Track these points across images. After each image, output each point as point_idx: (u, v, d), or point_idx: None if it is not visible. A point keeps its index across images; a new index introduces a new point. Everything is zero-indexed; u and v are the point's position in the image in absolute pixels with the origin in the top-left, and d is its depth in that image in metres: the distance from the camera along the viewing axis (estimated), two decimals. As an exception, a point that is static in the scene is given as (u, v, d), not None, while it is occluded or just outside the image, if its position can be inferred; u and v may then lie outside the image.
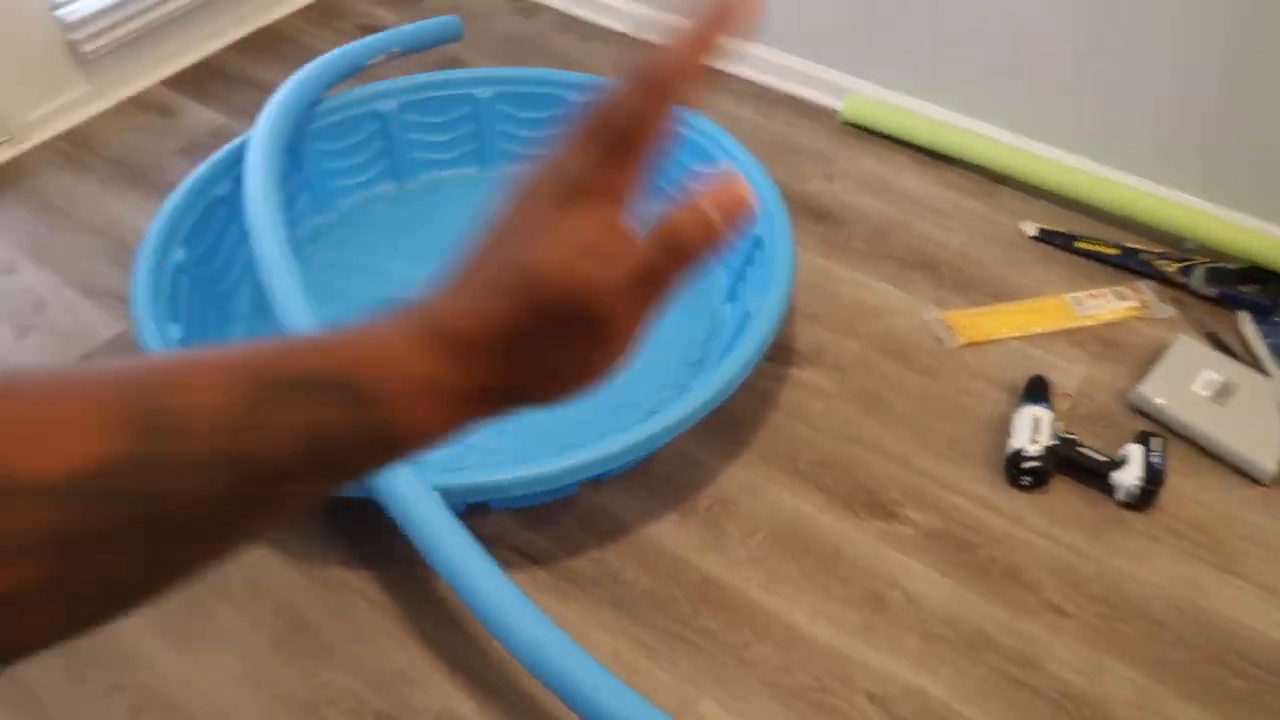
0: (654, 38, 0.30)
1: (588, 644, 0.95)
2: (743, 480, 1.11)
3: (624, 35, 1.81)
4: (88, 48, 1.54)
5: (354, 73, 1.45)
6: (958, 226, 1.45)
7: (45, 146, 1.52)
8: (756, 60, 1.70)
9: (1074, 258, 1.39)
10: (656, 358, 1.22)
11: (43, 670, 0.92)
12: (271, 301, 1.05)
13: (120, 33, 1.57)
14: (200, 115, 1.60)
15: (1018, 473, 1.10)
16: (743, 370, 1.04)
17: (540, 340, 0.30)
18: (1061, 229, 1.42)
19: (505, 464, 1.09)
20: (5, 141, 1.49)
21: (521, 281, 0.30)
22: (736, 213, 0.30)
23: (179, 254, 1.16)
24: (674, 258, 0.30)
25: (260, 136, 1.22)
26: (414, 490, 0.87)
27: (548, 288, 0.29)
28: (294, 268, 1.07)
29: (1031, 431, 1.12)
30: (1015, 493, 1.11)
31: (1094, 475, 1.10)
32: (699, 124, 1.35)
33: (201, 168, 1.23)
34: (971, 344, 1.27)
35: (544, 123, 1.46)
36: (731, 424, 1.16)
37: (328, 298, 1.27)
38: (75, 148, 1.52)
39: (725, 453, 1.14)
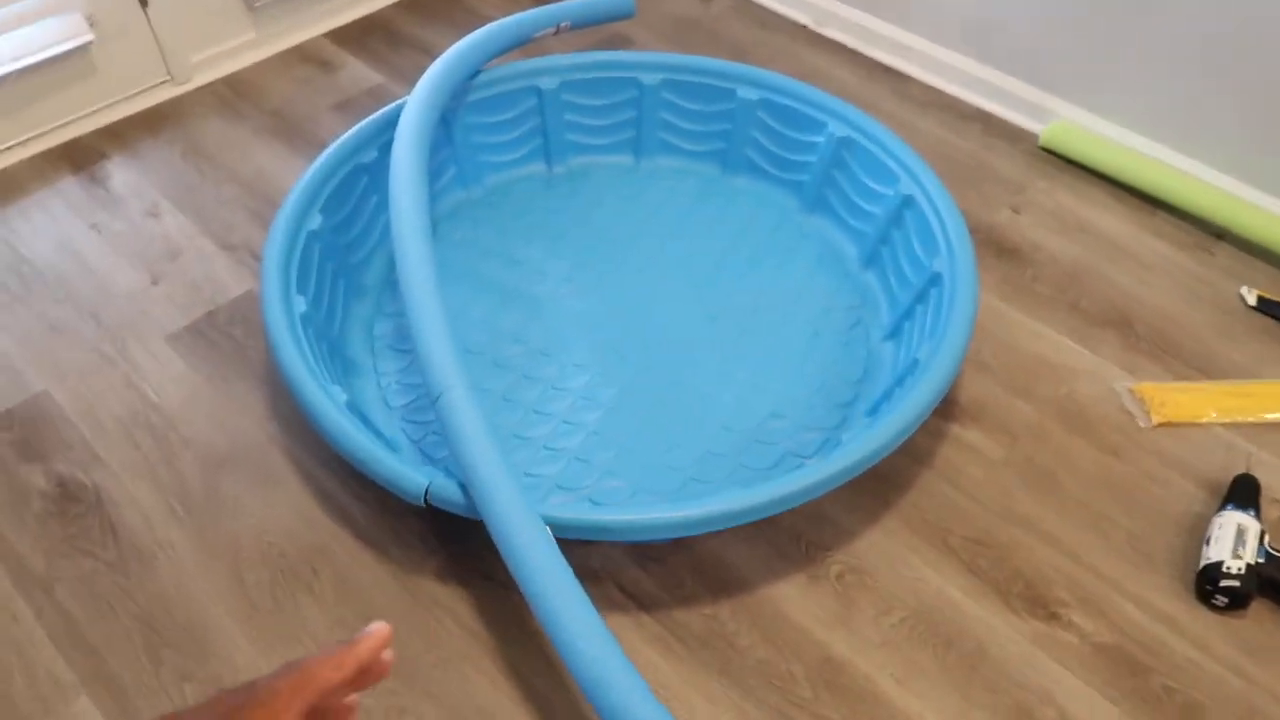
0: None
1: (688, 713, 0.85)
2: (882, 548, 0.99)
3: (804, 28, 1.68)
4: (259, -7, 1.52)
5: (519, 44, 1.38)
6: (1162, 282, 1.27)
7: (205, 89, 1.51)
8: (949, 69, 1.55)
9: (1302, 337, 1.20)
10: (801, 394, 1.10)
11: (124, 644, 0.89)
12: (401, 281, 0.98)
13: (292, -19, 1.55)
14: (359, 72, 1.56)
15: (1212, 590, 0.94)
16: (901, 433, 0.91)
17: None
18: (1290, 301, 1.23)
19: (621, 491, 1.00)
20: (166, 82, 1.48)
21: None
22: None
23: (315, 221, 1.10)
24: None
25: (415, 106, 1.15)
26: (522, 521, 0.78)
27: None
28: (429, 248, 1.00)
29: (1235, 543, 0.95)
30: (1205, 611, 0.95)
31: (1307, 607, 0.93)
32: (879, 137, 1.22)
33: (349, 133, 1.18)
34: (1167, 424, 1.10)
35: (710, 116, 1.35)
36: (875, 480, 1.03)
37: (457, 279, 1.21)
38: (234, 93, 1.50)
39: (865, 512, 1.01)
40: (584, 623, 0.74)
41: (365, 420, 0.99)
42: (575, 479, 1.01)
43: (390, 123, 1.18)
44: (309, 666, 0.45)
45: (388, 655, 0.48)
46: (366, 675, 0.48)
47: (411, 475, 0.86)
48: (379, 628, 0.47)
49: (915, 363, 1.01)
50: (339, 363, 1.07)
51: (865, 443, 0.89)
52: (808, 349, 1.15)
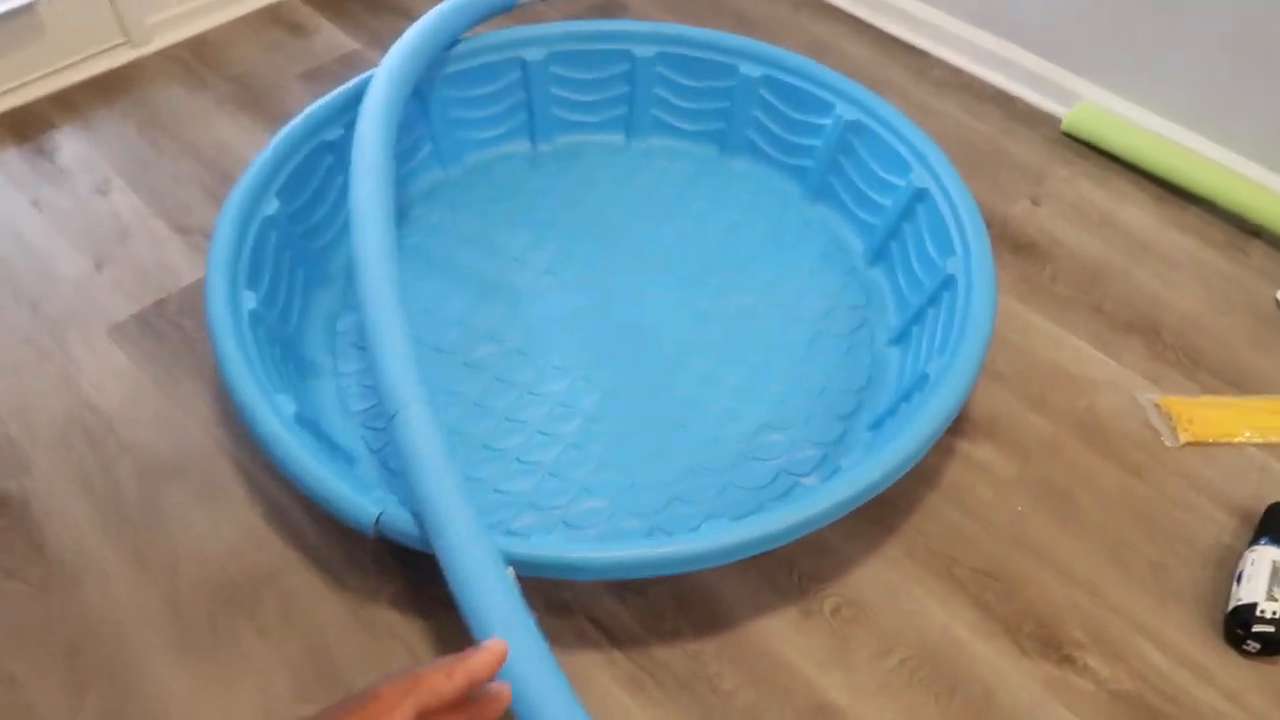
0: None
1: (664, 772, 0.77)
2: (882, 579, 0.90)
3: (814, -3, 1.56)
4: (225, -52, 1.41)
5: (503, 10, 1.26)
6: (1191, 284, 1.18)
7: (164, 54, 1.40)
8: (967, 45, 1.44)
9: (1343, 347, 1.11)
10: (798, 401, 1.01)
11: (43, 677, 0.81)
12: (357, 278, 0.88)
13: (261, -65, 1.43)
14: (333, 38, 1.45)
15: (1243, 634, 0.86)
16: (906, 461, 0.82)
17: None
18: (1331, 308, 1.14)
19: (599, 512, 0.92)
20: (123, 44, 1.38)
21: None
22: None
23: (273, 206, 1.01)
24: None
25: (384, 78, 1.05)
26: (479, 564, 0.70)
27: None
28: (390, 240, 0.90)
29: (1269, 584, 0.86)
30: (1235, 657, 0.86)
31: (1347, 655, 0.85)
32: (892, 122, 1.12)
33: (312, 107, 1.08)
34: (1195, 443, 1.01)
35: (709, 94, 1.25)
36: (875, 503, 0.93)
37: (431, 267, 1.12)
38: (195, 59, 1.40)
39: (865, 539, 0.93)
40: (544, 685, 0.65)
41: (319, 430, 0.91)
42: (549, 497, 0.92)
43: (356, 98, 1.08)
44: (416, 672, 0.44)
45: (502, 690, 0.45)
46: (480, 711, 0.45)
47: (360, 503, 0.77)
48: (494, 643, 0.45)
49: (924, 377, 0.92)
50: (294, 364, 0.98)
51: (866, 472, 0.81)
52: (807, 351, 1.06)
